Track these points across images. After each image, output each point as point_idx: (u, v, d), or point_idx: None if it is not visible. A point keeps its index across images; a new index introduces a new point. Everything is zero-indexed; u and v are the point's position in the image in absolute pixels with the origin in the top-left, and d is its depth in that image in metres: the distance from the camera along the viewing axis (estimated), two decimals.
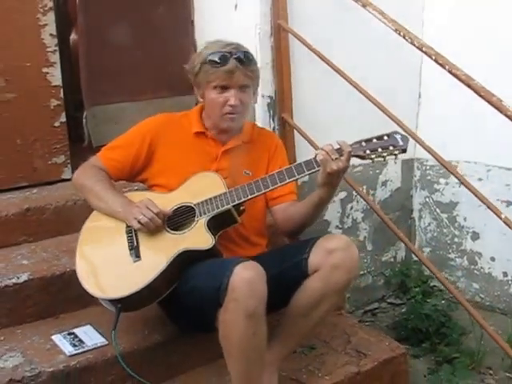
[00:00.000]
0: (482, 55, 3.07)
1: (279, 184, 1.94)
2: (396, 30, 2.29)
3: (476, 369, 2.83)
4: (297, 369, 2.15)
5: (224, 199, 1.94)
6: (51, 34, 2.58)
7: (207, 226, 1.92)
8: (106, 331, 2.01)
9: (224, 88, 2.00)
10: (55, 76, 2.62)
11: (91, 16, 2.77)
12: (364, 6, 2.38)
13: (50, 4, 2.57)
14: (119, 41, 2.84)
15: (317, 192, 1.97)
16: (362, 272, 3.42)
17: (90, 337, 2.03)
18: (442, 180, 3.50)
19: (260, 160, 2.17)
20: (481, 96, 2.06)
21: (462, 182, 2.55)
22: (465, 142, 3.29)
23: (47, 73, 2.60)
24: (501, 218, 2.29)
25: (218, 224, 1.96)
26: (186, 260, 1.89)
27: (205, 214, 1.94)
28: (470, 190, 2.47)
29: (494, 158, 3.22)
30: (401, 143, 1.94)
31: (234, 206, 1.94)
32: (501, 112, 2.02)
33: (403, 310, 3.36)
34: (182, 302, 1.93)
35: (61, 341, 2.00)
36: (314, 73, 2.83)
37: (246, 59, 2.00)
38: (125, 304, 1.89)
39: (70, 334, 2.04)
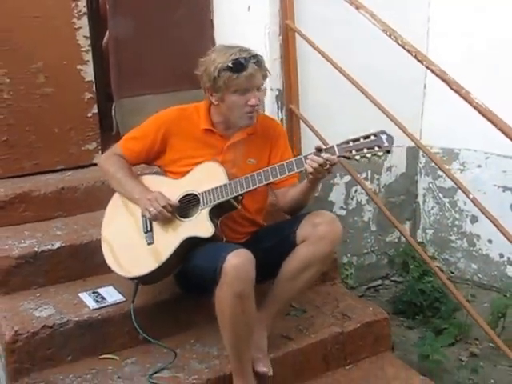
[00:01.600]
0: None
1: (272, 180, 2.16)
2: (383, 31, 2.55)
3: (463, 339, 3.10)
4: (288, 328, 2.46)
5: (225, 190, 2.17)
6: (85, 36, 2.93)
7: (209, 214, 2.18)
8: (125, 290, 2.38)
9: (245, 90, 2.17)
10: (88, 72, 2.97)
11: (120, 20, 3.11)
12: (357, 8, 2.65)
13: (84, 10, 2.92)
14: (144, 41, 3.18)
15: (305, 182, 2.22)
16: (365, 251, 3.70)
17: (111, 295, 2.40)
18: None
19: (263, 148, 2.38)
20: (452, 89, 2.32)
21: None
22: (466, 131, 3.51)
23: (81, 70, 2.95)
24: (469, 198, 2.53)
25: (220, 211, 2.22)
26: (190, 244, 2.18)
27: (208, 203, 2.18)
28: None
29: (492, 146, 3.43)
30: (386, 144, 2.06)
31: (233, 197, 2.19)
32: (469, 103, 2.28)
33: (403, 287, 3.63)
34: (186, 277, 2.26)
35: (86, 297, 2.38)
36: (320, 68, 3.05)
37: (261, 62, 2.19)
38: (141, 280, 2.25)
39: (94, 292, 2.41)
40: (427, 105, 3.74)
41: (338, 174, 3.42)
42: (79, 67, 2.94)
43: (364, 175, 3.59)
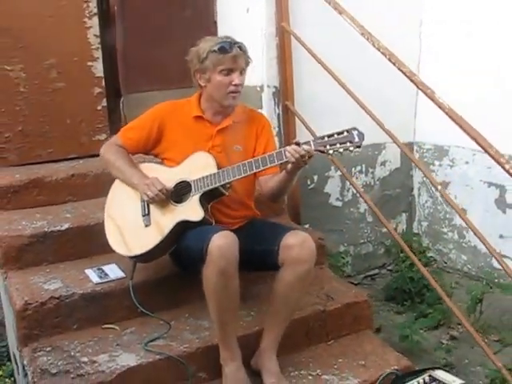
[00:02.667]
0: None
1: (255, 170, 2.35)
2: (362, 34, 2.75)
3: (446, 324, 3.28)
4: None
5: (214, 179, 2.39)
6: (95, 35, 3.18)
7: (200, 200, 2.40)
8: (127, 268, 2.59)
9: (230, 71, 2.41)
10: (98, 69, 3.21)
11: (127, 20, 3.35)
12: (340, 13, 2.85)
13: (95, 10, 3.16)
14: (151, 40, 3.41)
15: (283, 174, 2.41)
16: (362, 241, 3.90)
17: (114, 272, 2.62)
18: (436, 162, 3.93)
19: (249, 137, 2.57)
20: (419, 89, 2.53)
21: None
22: (455, 129, 3.67)
23: (91, 66, 3.19)
24: (437, 189, 2.72)
25: (210, 197, 2.44)
26: (182, 227, 2.39)
27: (198, 190, 2.40)
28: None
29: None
30: (356, 139, 2.23)
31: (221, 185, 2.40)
32: (433, 102, 2.47)
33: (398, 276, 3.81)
34: (179, 256, 2.48)
35: (91, 273, 2.61)
36: (314, 67, 3.23)
37: (244, 48, 2.44)
38: (138, 259, 2.49)
39: (98, 269, 2.64)
40: (420, 104, 3.92)
41: (332, 167, 3.62)
42: (89, 64, 3.19)
43: (358, 168, 3.79)
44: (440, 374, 2.31)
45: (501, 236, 3.64)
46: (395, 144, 3.70)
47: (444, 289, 3.35)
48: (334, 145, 2.26)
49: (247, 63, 2.48)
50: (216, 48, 2.40)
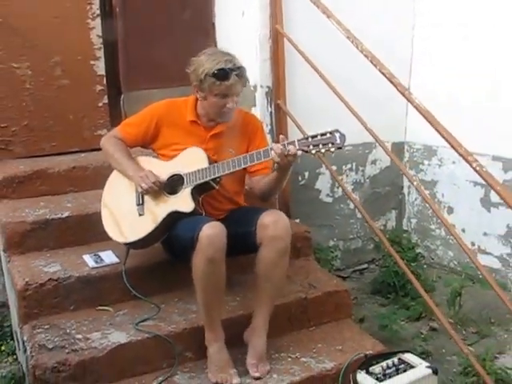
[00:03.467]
0: None
1: (243, 166, 2.51)
2: (348, 38, 2.91)
3: (427, 316, 3.43)
4: None
5: (205, 173, 2.55)
6: (98, 35, 3.37)
7: (192, 193, 2.57)
8: (122, 254, 2.76)
9: (225, 95, 2.52)
10: (100, 67, 3.40)
11: (128, 21, 3.54)
12: (328, 17, 3.01)
13: (98, 12, 3.35)
14: (151, 40, 3.59)
15: (274, 173, 2.57)
16: (351, 236, 4.06)
17: (109, 257, 2.80)
18: (425, 161, 4.08)
19: (242, 140, 2.72)
20: (398, 90, 2.68)
21: None
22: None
23: (94, 64, 3.38)
24: (412, 183, 2.87)
25: (201, 190, 2.60)
26: (174, 217, 2.56)
27: (190, 183, 2.56)
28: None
29: (464, 144, 3.74)
30: (338, 141, 2.36)
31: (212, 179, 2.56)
32: (410, 103, 2.64)
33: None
34: (171, 244, 2.65)
35: (88, 259, 2.78)
36: (306, 68, 3.38)
37: (242, 73, 2.51)
38: (131, 245, 2.67)
39: (95, 255, 2.82)
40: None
41: (323, 165, 3.77)
42: (92, 62, 3.38)
43: (349, 166, 3.94)
44: (408, 356, 2.46)
45: (485, 233, 3.80)
46: (385, 144, 3.91)
47: (424, 283, 3.55)
48: (317, 145, 2.40)
49: (244, 86, 2.59)
50: (213, 73, 2.49)
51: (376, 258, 4.17)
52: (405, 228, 4.26)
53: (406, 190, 4.24)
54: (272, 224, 2.46)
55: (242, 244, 2.50)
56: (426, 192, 4.08)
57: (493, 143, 3.66)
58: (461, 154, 2.52)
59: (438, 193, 4.03)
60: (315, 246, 3.66)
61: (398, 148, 4.13)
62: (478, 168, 2.49)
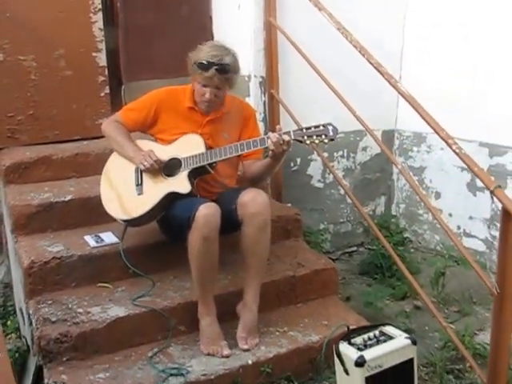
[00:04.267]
0: None
1: (240, 153, 2.70)
2: (338, 29, 3.07)
3: (412, 296, 3.59)
4: None
5: (202, 158, 2.73)
6: (99, 28, 3.53)
7: (188, 175, 2.75)
8: (120, 235, 2.95)
9: (204, 85, 2.72)
10: (102, 59, 3.56)
11: (129, 14, 3.70)
12: (319, 9, 3.17)
13: (99, 6, 3.51)
14: (151, 32, 3.75)
15: (267, 160, 2.76)
16: (341, 220, 4.22)
17: (109, 238, 2.99)
18: (414, 148, 4.24)
19: (236, 127, 2.91)
20: (385, 78, 2.83)
21: None
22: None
23: (96, 56, 3.54)
24: (397, 168, 3.01)
25: (197, 173, 2.78)
26: (171, 198, 2.75)
27: (188, 166, 2.75)
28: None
29: (452, 130, 3.89)
30: (331, 133, 2.59)
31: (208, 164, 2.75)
32: (397, 91, 2.79)
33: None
34: (168, 224, 2.84)
35: (89, 239, 2.97)
36: (298, 59, 3.53)
37: (222, 70, 2.66)
38: (129, 223, 2.85)
39: (96, 235, 3.00)
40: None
41: (315, 152, 3.93)
42: (94, 54, 3.54)
43: (340, 153, 4.10)
44: (389, 329, 2.61)
45: (470, 217, 3.96)
46: (375, 131, 4.06)
47: (410, 265, 3.71)
48: (311, 136, 2.62)
49: (226, 81, 2.74)
50: (198, 63, 2.70)
51: (365, 241, 4.32)
52: (394, 213, 4.42)
53: (395, 176, 4.40)
54: (251, 201, 2.63)
55: (226, 222, 2.65)
56: (415, 178, 4.26)
57: (480, 130, 3.82)
58: (442, 138, 2.68)
59: (426, 178, 4.18)
60: (306, 229, 3.83)
61: (389, 136, 4.28)
62: (457, 151, 2.65)
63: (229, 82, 2.76)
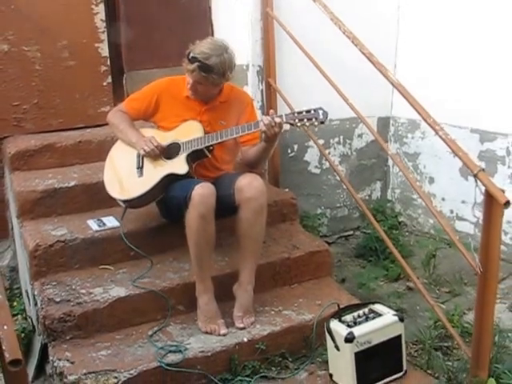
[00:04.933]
0: None
1: (235, 135, 2.84)
2: (331, 20, 3.17)
3: (405, 277, 3.71)
4: None
5: (200, 141, 2.88)
6: (101, 20, 3.64)
7: (187, 158, 2.89)
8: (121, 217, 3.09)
9: (189, 76, 2.87)
10: (104, 49, 3.68)
11: (130, 6, 3.81)
12: (314, 1, 3.27)
13: None
14: (151, 23, 3.86)
15: (262, 143, 2.88)
16: (338, 205, 4.33)
17: (111, 222, 3.11)
18: (409, 135, 4.34)
19: (233, 114, 3.03)
20: (376, 67, 2.93)
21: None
22: (426, 104, 4.07)
23: (98, 47, 3.66)
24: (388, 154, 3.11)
25: (195, 157, 2.92)
26: (170, 179, 2.88)
27: (186, 150, 2.90)
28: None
29: (444, 117, 3.97)
30: (321, 117, 2.72)
31: (205, 147, 2.89)
32: (387, 79, 2.90)
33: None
34: (166, 205, 2.97)
35: (92, 223, 3.09)
36: (294, 48, 3.63)
37: (203, 68, 2.78)
38: (129, 203, 2.98)
39: (98, 220, 3.13)
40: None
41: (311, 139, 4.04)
42: (97, 45, 3.66)
43: (336, 140, 4.21)
44: (378, 307, 2.74)
45: (463, 201, 4.06)
46: (371, 118, 4.17)
47: (403, 248, 3.83)
48: (302, 120, 2.76)
49: (206, 80, 2.83)
50: (188, 54, 2.84)
51: (361, 225, 4.43)
52: (389, 198, 4.53)
53: (390, 162, 4.49)
54: (247, 186, 2.76)
55: (223, 206, 2.77)
56: (410, 164, 4.38)
57: (471, 117, 3.91)
58: (429, 124, 2.78)
59: (421, 164, 4.29)
60: (303, 213, 3.95)
61: (384, 122, 4.38)
62: (443, 136, 2.75)
63: (209, 81, 2.85)
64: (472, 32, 3.88)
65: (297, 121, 2.76)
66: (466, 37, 3.91)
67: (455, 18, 3.95)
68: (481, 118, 3.88)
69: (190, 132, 2.94)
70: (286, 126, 3.58)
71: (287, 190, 3.83)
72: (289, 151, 4.03)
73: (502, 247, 3.84)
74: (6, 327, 1.52)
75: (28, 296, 3.14)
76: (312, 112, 2.75)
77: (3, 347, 1.47)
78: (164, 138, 2.97)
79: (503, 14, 3.71)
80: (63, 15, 3.55)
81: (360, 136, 4.30)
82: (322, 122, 2.76)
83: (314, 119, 2.74)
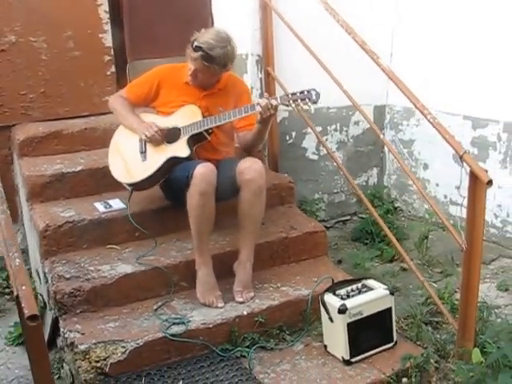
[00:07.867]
0: None
1: (233, 118, 2.99)
2: (326, 9, 3.30)
3: (400, 259, 3.84)
4: None
5: (199, 124, 3.02)
6: (105, 11, 3.78)
7: (187, 141, 3.04)
8: (127, 202, 3.23)
9: (190, 63, 3.02)
10: (107, 40, 3.82)
11: None
12: None
13: None
14: (153, 13, 3.99)
15: (257, 126, 3.04)
16: (335, 190, 4.47)
17: (117, 204, 3.25)
18: (404, 122, 4.47)
19: (230, 100, 3.17)
20: (368, 55, 3.06)
21: None
22: (420, 92, 4.20)
23: (102, 37, 3.80)
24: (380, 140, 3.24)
25: (195, 140, 3.07)
26: (172, 162, 3.03)
27: (186, 133, 3.04)
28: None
29: (439, 104, 4.12)
30: (314, 97, 2.87)
31: (205, 130, 3.04)
32: (379, 67, 3.03)
33: None
34: (170, 187, 3.11)
35: (98, 205, 3.24)
36: (293, 37, 3.72)
37: (206, 58, 2.92)
38: (135, 186, 3.13)
39: (105, 202, 3.27)
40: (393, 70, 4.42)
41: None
42: (101, 35, 3.80)
43: (333, 127, 4.34)
44: (370, 282, 2.89)
45: (456, 187, 4.19)
46: (367, 106, 4.29)
47: (397, 231, 3.97)
48: (296, 100, 2.91)
49: (207, 69, 2.98)
50: (193, 42, 2.98)
51: (358, 210, 4.57)
52: (385, 184, 4.67)
53: (386, 149, 4.62)
54: (247, 169, 2.90)
55: (226, 188, 2.93)
56: (405, 150, 4.51)
57: (464, 104, 4.05)
58: (418, 108, 2.92)
59: (416, 151, 4.42)
60: (302, 198, 4.10)
61: (380, 110, 4.51)
62: (431, 120, 2.89)
63: (210, 70, 3.00)
64: (466, 21, 4.01)
65: (291, 102, 2.91)
66: (459, 26, 4.04)
67: (450, 7, 4.07)
68: (473, 105, 4.01)
69: (189, 116, 3.08)
70: (285, 114, 3.77)
71: (286, 174, 3.97)
72: (287, 138, 4.17)
73: (493, 230, 4.04)
74: (24, 287, 1.67)
75: (39, 275, 3.28)
76: (305, 93, 2.89)
77: (22, 304, 1.62)
78: (164, 123, 3.11)
79: (496, 3, 3.83)
80: (68, 7, 3.69)
81: (356, 123, 4.43)
82: (315, 102, 2.89)
83: (307, 99, 2.88)
